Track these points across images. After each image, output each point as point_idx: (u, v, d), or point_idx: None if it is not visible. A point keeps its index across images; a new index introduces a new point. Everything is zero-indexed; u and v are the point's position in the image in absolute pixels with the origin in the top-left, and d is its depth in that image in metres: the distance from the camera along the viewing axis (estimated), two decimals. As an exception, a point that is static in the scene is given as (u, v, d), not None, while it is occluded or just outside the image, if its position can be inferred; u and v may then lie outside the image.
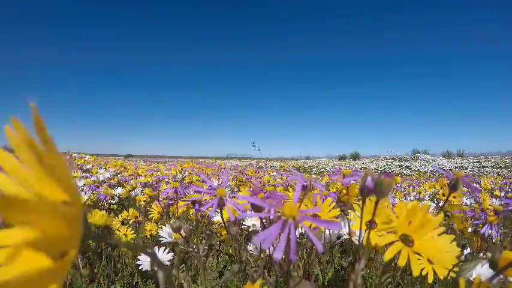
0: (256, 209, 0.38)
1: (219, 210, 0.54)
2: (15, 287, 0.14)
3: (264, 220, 0.51)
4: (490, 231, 0.81)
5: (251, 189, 0.50)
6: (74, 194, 0.17)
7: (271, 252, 0.58)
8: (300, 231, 0.87)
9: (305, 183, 0.45)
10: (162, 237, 0.89)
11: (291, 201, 0.34)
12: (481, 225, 0.87)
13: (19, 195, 0.16)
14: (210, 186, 0.55)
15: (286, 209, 0.29)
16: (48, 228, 0.15)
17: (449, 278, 0.48)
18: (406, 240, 0.38)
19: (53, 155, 0.17)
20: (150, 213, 1.31)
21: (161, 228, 0.93)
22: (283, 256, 0.52)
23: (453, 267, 0.47)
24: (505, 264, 0.36)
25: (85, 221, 0.18)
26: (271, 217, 0.37)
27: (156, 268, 0.24)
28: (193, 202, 0.61)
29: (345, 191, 0.62)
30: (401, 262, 0.33)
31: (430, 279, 0.49)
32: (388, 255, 0.34)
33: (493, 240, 0.84)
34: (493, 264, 0.38)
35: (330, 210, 0.59)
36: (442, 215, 0.40)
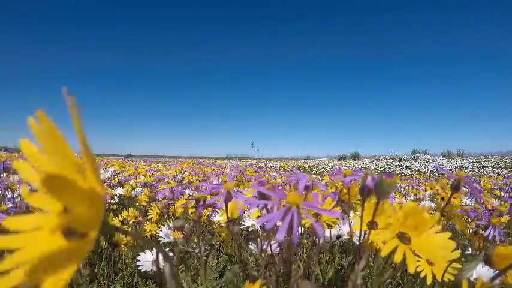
0: (264, 197, 0.39)
1: (218, 211, 0.53)
2: (40, 265, 0.17)
3: (271, 210, 0.52)
4: (493, 232, 0.80)
5: (258, 181, 0.50)
6: (99, 182, 0.19)
7: (272, 252, 0.58)
8: (300, 232, 0.87)
9: (307, 183, 0.45)
10: (161, 237, 0.89)
11: (294, 192, 0.36)
12: (482, 226, 0.87)
13: (61, 173, 0.18)
14: (217, 182, 0.56)
15: (290, 197, 0.32)
16: (79, 207, 0.17)
17: (446, 279, 0.48)
18: (403, 237, 0.38)
19: (84, 144, 0.18)
20: (149, 214, 1.31)
21: (160, 228, 0.93)
22: (283, 256, 0.52)
23: (448, 266, 0.47)
24: (506, 266, 0.36)
25: (104, 209, 0.20)
26: (275, 209, 0.38)
27: (162, 263, 0.24)
28: (198, 201, 0.61)
29: (345, 191, 0.62)
30: (397, 258, 0.34)
31: (429, 281, 0.49)
32: (384, 252, 0.35)
33: (495, 240, 0.83)
34: (487, 260, 0.38)
35: (330, 208, 0.59)
36: (438, 214, 0.40)
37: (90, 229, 0.18)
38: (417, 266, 0.53)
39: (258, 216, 0.98)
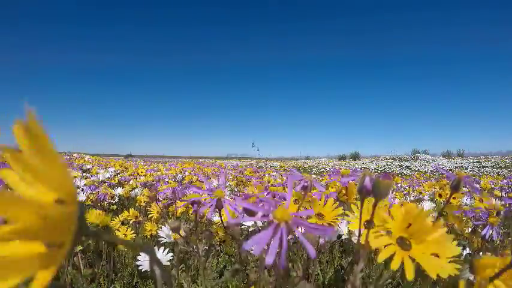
0: (250, 213, 0.38)
1: (216, 212, 0.54)
2: (7, 264, 0.17)
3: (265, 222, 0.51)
4: (491, 231, 0.80)
5: (244, 194, 0.49)
6: (69, 192, 0.19)
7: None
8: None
9: (305, 184, 0.45)
10: (161, 237, 0.89)
11: (284, 204, 0.33)
12: (481, 226, 0.87)
13: (13, 196, 0.18)
14: (209, 187, 0.55)
15: (278, 212, 0.28)
16: (39, 224, 0.17)
17: (446, 278, 0.48)
18: (403, 243, 0.37)
19: (48, 153, 0.18)
20: (150, 214, 1.31)
21: (161, 228, 0.93)
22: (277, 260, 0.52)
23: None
24: (507, 265, 0.36)
25: (81, 218, 0.19)
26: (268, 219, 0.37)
27: (154, 267, 0.24)
28: (193, 202, 0.61)
29: (344, 191, 0.62)
30: (394, 266, 0.33)
31: (434, 276, 0.49)
32: (381, 258, 0.34)
33: (494, 240, 0.84)
34: (471, 268, 0.37)
35: (333, 210, 0.59)
36: (441, 221, 0.39)
37: (60, 241, 0.18)
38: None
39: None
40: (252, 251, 0.84)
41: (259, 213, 0.32)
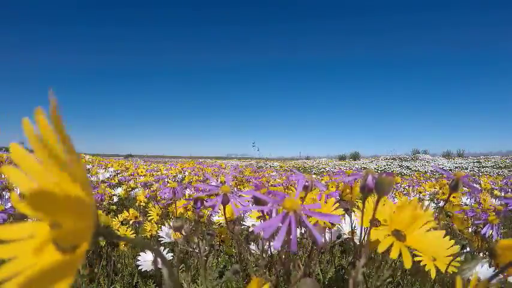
0: (259, 202, 0.39)
1: (218, 211, 0.54)
2: (35, 283, 0.16)
3: (267, 217, 0.51)
4: (490, 231, 0.81)
5: (255, 184, 0.50)
6: (88, 190, 0.18)
7: (272, 252, 0.58)
8: (300, 231, 0.87)
9: (307, 183, 0.45)
10: (161, 237, 0.89)
11: (292, 196, 0.35)
12: (481, 226, 0.87)
13: (44, 189, 0.17)
14: (215, 184, 0.56)
15: (287, 202, 0.30)
16: (66, 222, 0.16)
17: (446, 277, 0.48)
18: (398, 235, 0.40)
19: (70, 150, 0.17)
20: (149, 216, 1.31)
21: (161, 228, 0.93)
22: (283, 255, 0.52)
23: (450, 263, 0.47)
24: (506, 264, 0.36)
25: (96, 217, 0.19)
26: (274, 214, 0.37)
27: (160, 266, 0.24)
28: (196, 201, 0.61)
29: (348, 190, 0.62)
30: (393, 255, 0.35)
31: (433, 275, 0.49)
32: (381, 248, 0.36)
33: (494, 240, 0.84)
34: (491, 253, 0.38)
35: (333, 210, 0.59)
36: (431, 211, 0.42)
37: (80, 241, 0.17)
38: (420, 261, 0.53)
39: (259, 217, 0.98)
40: (252, 250, 0.84)
41: (269, 203, 0.34)
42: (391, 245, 0.37)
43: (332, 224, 0.64)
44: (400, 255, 0.36)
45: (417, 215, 0.40)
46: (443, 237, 0.44)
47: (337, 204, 0.60)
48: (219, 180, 2.74)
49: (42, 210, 0.15)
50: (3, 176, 1.55)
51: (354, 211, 0.60)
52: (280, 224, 0.28)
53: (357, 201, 0.64)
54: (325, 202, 0.59)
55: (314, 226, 0.31)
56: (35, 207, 0.15)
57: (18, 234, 0.20)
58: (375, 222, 0.39)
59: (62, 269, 0.17)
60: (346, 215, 0.69)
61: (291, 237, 0.27)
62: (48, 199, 0.15)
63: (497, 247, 0.37)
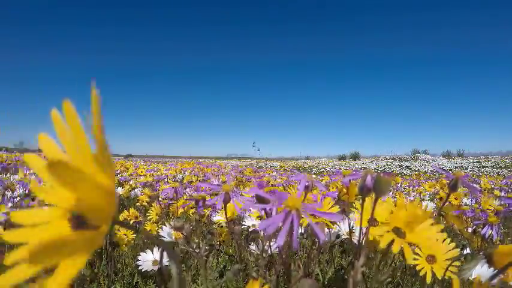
0: (262, 201, 0.39)
1: (218, 211, 0.54)
2: (50, 249, 0.15)
3: (268, 215, 0.51)
4: (490, 231, 0.81)
5: (257, 183, 0.50)
6: (113, 180, 0.18)
7: (272, 252, 0.58)
8: (300, 231, 0.88)
9: (307, 183, 0.45)
10: (162, 237, 0.89)
11: (294, 194, 0.35)
12: (481, 226, 0.87)
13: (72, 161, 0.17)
14: (217, 183, 0.56)
15: (289, 201, 0.31)
16: (91, 196, 0.16)
17: (446, 277, 0.48)
18: (399, 232, 0.41)
19: (103, 145, 0.17)
20: (149, 215, 1.31)
21: (161, 228, 0.93)
22: (283, 255, 0.52)
23: (450, 265, 0.47)
24: (505, 264, 0.36)
25: (117, 206, 0.19)
26: (274, 212, 0.38)
27: (167, 263, 0.24)
28: (197, 201, 0.61)
29: (345, 190, 0.62)
30: (395, 249, 0.37)
31: (429, 279, 0.50)
32: (382, 244, 0.38)
33: (493, 240, 0.84)
34: (488, 259, 0.38)
35: (329, 208, 0.59)
36: (430, 210, 0.43)
37: (103, 222, 0.17)
38: (416, 265, 0.53)
39: (259, 217, 0.98)
40: (252, 250, 0.84)
41: (270, 202, 0.35)
42: (392, 242, 0.38)
43: (332, 223, 0.64)
44: (400, 253, 0.37)
45: (417, 214, 0.41)
46: (444, 241, 0.44)
47: (333, 202, 0.60)
48: (220, 180, 2.75)
49: (69, 181, 0.15)
50: (5, 176, 1.55)
51: (352, 211, 0.60)
52: (283, 222, 0.29)
53: (353, 202, 0.65)
54: (321, 201, 0.59)
55: (316, 224, 0.31)
56: (61, 177, 0.15)
57: (35, 219, 0.20)
58: (373, 223, 0.39)
59: (80, 242, 0.16)
60: (344, 215, 0.69)
61: (293, 234, 0.28)
62: (75, 171, 0.15)
63: (494, 253, 0.37)
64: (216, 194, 0.53)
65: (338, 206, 0.60)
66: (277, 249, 0.61)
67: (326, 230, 0.79)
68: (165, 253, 0.23)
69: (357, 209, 0.55)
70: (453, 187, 0.51)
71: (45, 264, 0.15)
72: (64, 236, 0.18)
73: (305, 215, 0.31)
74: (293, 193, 0.56)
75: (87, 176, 0.16)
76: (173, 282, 0.22)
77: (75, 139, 0.17)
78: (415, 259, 0.52)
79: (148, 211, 1.33)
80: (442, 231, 0.43)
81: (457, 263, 0.49)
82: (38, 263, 0.15)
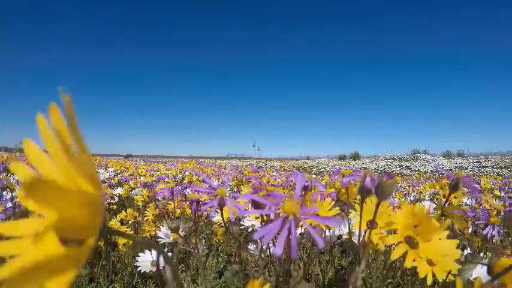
0: (258, 206, 0.38)
1: (219, 210, 0.53)
2: (30, 273, 0.15)
3: (266, 218, 0.51)
4: (491, 231, 0.80)
5: (253, 187, 0.49)
6: (97, 185, 0.18)
7: (272, 252, 0.58)
8: (300, 231, 0.87)
9: (306, 183, 0.45)
10: (160, 237, 0.89)
11: (291, 198, 0.34)
12: (482, 226, 0.87)
13: (48, 177, 0.17)
14: (210, 185, 0.55)
15: (286, 206, 0.29)
16: (70, 214, 0.16)
17: (448, 280, 0.48)
18: (411, 242, 0.38)
19: (82, 147, 0.17)
20: (146, 217, 1.31)
21: (159, 228, 0.93)
22: (283, 256, 0.52)
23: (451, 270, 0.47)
24: (501, 270, 0.36)
25: (103, 213, 0.18)
26: (272, 216, 0.37)
27: (163, 265, 0.24)
28: (192, 202, 0.60)
29: (344, 191, 0.62)
30: (408, 264, 0.34)
31: (429, 281, 0.49)
32: (394, 256, 0.35)
33: (494, 241, 0.83)
34: (489, 269, 0.38)
35: (329, 210, 0.59)
36: (448, 221, 0.41)
37: (87, 236, 0.17)
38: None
39: (257, 217, 0.97)
40: (251, 251, 0.83)
41: (267, 206, 0.33)
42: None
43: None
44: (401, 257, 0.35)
45: (432, 225, 0.39)
46: (454, 249, 0.42)
47: (333, 203, 0.59)
48: (220, 181, 2.74)
49: (39, 198, 0.14)
50: (4, 175, 1.54)
51: (351, 212, 0.60)
52: (280, 229, 0.27)
53: (353, 202, 0.64)
54: (321, 201, 0.59)
55: (314, 228, 0.30)
56: (33, 196, 0.14)
57: (22, 230, 0.20)
58: (372, 225, 0.38)
59: (66, 260, 0.16)
60: (344, 215, 0.68)
61: (292, 242, 0.26)
62: (48, 187, 0.14)
63: (496, 265, 0.37)
64: (215, 195, 0.52)
65: (337, 208, 0.59)
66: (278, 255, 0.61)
67: (327, 231, 0.78)
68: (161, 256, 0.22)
69: (356, 211, 0.54)
70: (454, 187, 0.51)
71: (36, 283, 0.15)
72: (46, 256, 0.17)
73: (303, 220, 0.29)
74: (291, 194, 0.55)
75: (66, 194, 0.15)
76: (169, 286, 0.22)
77: (59, 142, 0.17)
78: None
79: (145, 212, 1.33)
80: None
81: (455, 272, 0.48)
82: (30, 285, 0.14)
